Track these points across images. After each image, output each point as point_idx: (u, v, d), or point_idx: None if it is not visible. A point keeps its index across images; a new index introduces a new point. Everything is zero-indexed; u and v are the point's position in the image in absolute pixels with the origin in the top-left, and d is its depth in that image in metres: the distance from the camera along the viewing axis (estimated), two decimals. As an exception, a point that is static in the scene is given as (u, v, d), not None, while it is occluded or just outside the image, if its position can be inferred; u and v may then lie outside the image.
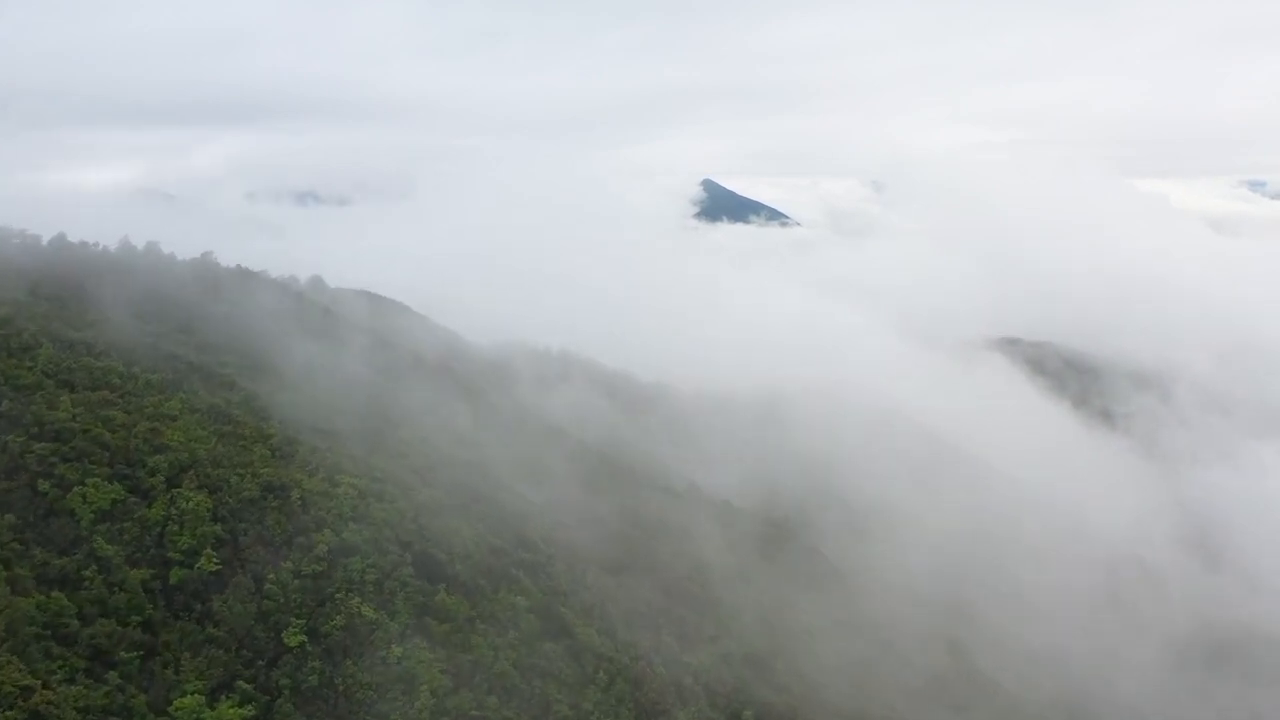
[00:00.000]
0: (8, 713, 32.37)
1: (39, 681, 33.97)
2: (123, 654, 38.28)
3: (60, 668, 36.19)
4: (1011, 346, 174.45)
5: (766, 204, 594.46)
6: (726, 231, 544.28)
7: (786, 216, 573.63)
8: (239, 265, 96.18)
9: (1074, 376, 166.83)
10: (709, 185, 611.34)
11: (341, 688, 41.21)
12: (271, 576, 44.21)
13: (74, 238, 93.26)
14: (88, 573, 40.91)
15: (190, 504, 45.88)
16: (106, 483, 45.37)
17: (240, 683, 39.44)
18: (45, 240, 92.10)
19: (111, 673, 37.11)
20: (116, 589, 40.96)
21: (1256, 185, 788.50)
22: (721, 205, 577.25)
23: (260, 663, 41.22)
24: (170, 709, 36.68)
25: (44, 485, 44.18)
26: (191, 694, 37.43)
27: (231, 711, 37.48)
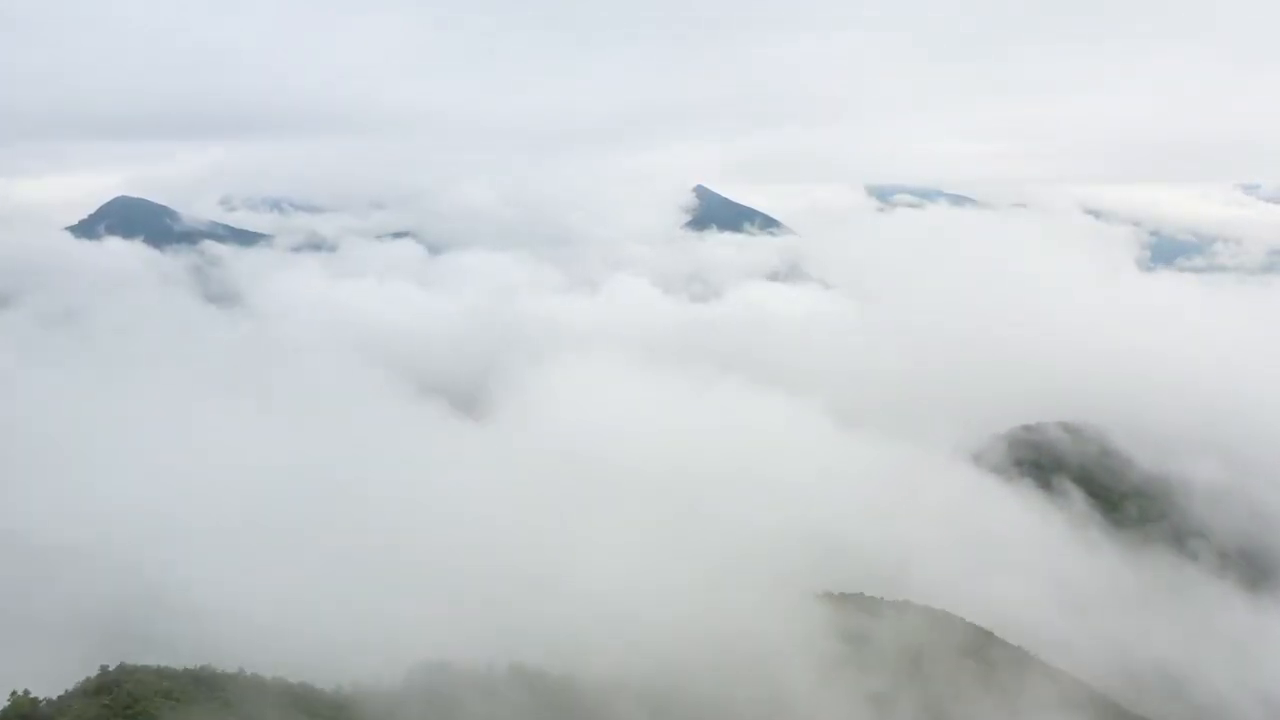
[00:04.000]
0: None
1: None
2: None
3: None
4: (989, 442, 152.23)
5: (761, 211, 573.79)
6: (716, 240, 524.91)
7: (779, 224, 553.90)
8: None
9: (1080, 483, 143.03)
10: (701, 191, 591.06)
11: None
12: None
13: None
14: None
15: None
16: None
17: None
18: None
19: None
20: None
21: (1251, 188, 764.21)
22: (714, 213, 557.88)
23: None
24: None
25: None
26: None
27: None
